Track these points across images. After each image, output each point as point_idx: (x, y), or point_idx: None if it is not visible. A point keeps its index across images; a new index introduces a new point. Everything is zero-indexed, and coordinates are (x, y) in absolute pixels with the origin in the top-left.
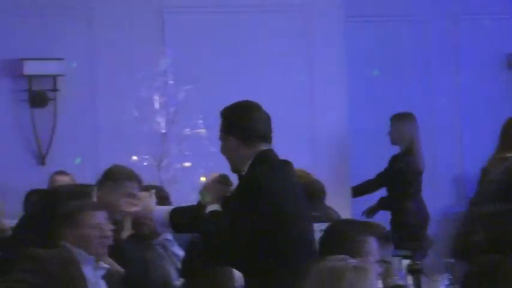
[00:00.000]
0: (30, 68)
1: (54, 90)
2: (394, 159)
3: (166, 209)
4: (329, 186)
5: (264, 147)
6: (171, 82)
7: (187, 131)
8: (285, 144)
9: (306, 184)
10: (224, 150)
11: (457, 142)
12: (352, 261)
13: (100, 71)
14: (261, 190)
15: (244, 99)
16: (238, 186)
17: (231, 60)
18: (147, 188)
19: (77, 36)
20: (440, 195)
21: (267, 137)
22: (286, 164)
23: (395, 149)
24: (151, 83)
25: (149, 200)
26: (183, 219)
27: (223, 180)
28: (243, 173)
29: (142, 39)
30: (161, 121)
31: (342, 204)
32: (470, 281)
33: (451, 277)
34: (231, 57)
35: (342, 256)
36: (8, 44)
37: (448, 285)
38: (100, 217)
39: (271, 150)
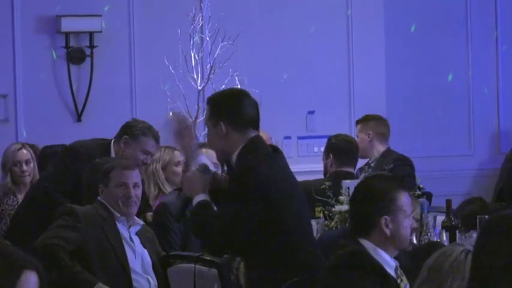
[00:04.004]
0: (68, 25)
1: (91, 47)
2: None
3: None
4: None
5: (253, 133)
6: (208, 39)
7: (223, 87)
8: (322, 104)
9: (341, 140)
10: (213, 137)
11: (494, 97)
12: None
13: (137, 28)
14: (255, 181)
15: (277, 56)
16: (231, 177)
17: (268, 17)
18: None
19: None
20: (475, 152)
21: (256, 123)
22: (276, 151)
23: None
24: (188, 40)
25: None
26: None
27: (204, 169)
28: (232, 162)
29: None
30: (197, 78)
31: None
32: (485, 231)
33: None
34: (268, 14)
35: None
36: (45, 1)
37: None
38: (129, 177)
39: (260, 137)
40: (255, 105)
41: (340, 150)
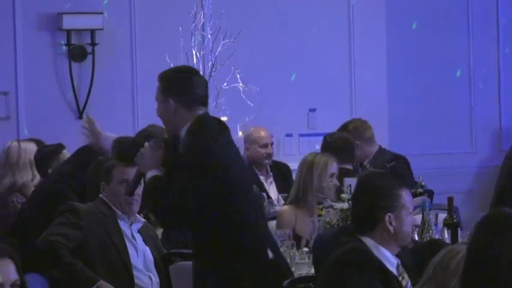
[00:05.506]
0: (69, 22)
1: (93, 44)
2: None
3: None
4: None
5: (201, 111)
6: (209, 36)
7: (224, 85)
8: (324, 102)
9: (337, 138)
10: (162, 112)
11: (495, 95)
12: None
13: (138, 25)
14: (202, 157)
15: (279, 54)
16: (182, 151)
17: (269, 14)
18: None
19: None
20: (477, 149)
21: (204, 101)
22: (224, 126)
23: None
24: (190, 37)
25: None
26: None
27: (156, 145)
28: (180, 137)
29: None
30: None
31: None
32: (481, 226)
33: None
34: (269, 12)
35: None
36: None
37: None
38: (130, 174)
39: (208, 114)
40: (204, 84)
41: (336, 148)
